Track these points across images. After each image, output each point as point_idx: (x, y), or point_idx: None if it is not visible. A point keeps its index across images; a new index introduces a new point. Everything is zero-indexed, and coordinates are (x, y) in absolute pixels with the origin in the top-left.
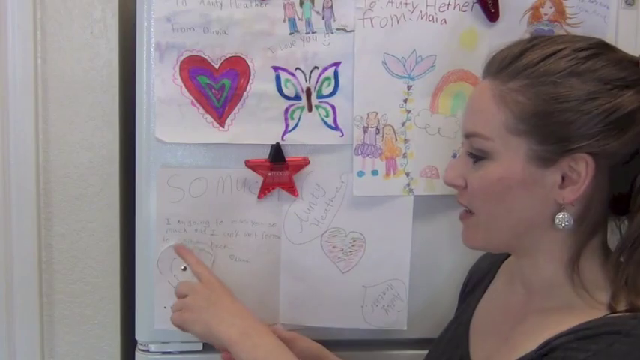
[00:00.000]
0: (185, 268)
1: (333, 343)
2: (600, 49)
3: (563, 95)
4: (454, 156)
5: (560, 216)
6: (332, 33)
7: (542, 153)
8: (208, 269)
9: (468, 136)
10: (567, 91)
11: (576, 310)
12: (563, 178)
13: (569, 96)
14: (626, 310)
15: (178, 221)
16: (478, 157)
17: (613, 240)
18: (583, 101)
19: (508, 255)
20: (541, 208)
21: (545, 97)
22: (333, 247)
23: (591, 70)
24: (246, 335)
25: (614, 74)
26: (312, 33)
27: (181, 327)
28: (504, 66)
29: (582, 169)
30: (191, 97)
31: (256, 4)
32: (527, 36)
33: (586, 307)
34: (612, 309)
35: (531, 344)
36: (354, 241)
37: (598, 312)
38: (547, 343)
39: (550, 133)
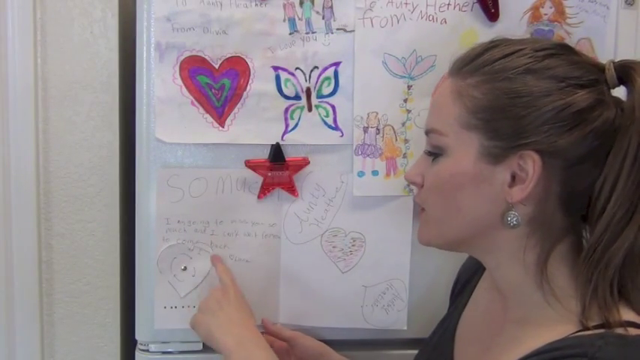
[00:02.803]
0: (185, 268)
1: (332, 343)
2: (561, 50)
3: (516, 91)
4: None
5: (509, 215)
6: (332, 33)
7: (492, 149)
8: (231, 275)
9: (427, 132)
10: (521, 87)
11: (551, 322)
12: (514, 177)
13: (522, 92)
14: (596, 326)
15: (178, 221)
16: (435, 153)
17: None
18: (535, 98)
19: None
20: (491, 207)
21: (499, 92)
22: (333, 247)
23: (547, 68)
24: (241, 346)
25: (570, 73)
26: (312, 33)
27: (191, 327)
28: (466, 64)
29: (530, 167)
30: (191, 97)
31: (256, 4)
32: (527, 36)
33: (560, 318)
34: (584, 323)
35: (509, 357)
36: (354, 241)
37: (572, 325)
38: None
39: (500, 128)
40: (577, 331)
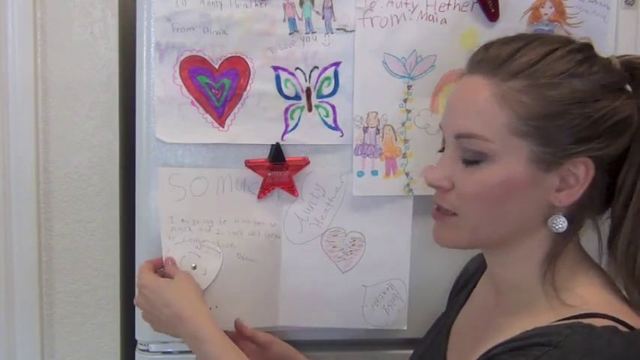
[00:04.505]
0: (195, 267)
1: (333, 343)
2: (590, 51)
3: (566, 97)
4: None
5: (556, 219)
6: (332, 33)
7: (544, 155)
8: (143, 274)
9: (461, 136)
10: (570, 92)
11: (535, 313)
12: (559, 181)
13: (573, 98)
14: (586, 315)
15: (182, 219)
16: (471, 160)
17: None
18: (586, 103)
19: None
20: (535, 211)
21: (550, 99)
22: (334, 246)
23: (590, 72)
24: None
25: (609, 78)
26: (312, 33)
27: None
28: (499, 64)
29: (581, 172)
30: (191, 97)
31: (256, 4)
32: None
33: (548, 308)
34: (589, 309)
35: (488, 347)
36: (353, 240)
37: (554, 314)
38: (487, 352)
39: (553, 135)
40: (551, 323)
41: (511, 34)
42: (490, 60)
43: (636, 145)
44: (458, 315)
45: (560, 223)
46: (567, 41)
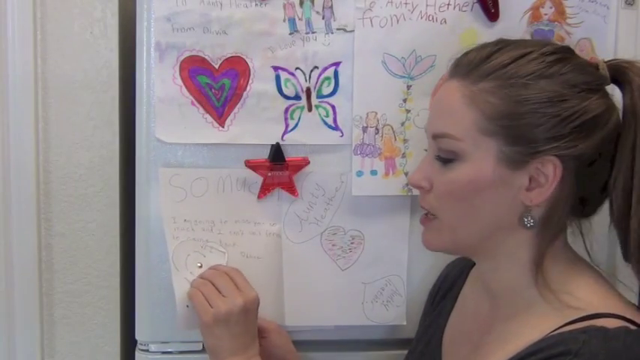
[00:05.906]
0: (201, 266)
1: (334, 343)
2: (566, 53)
3: (533, 97)
4: None
5: (526, 217)
6: (332, 33)
7: (512, 154)
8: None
9: (436, 136)
10: (538, 93)
11: (536, 318)
12: (530, 180)
13: (540, 98)
14: (583, 318)
15: (185, 220)
16: (446, 159)
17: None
18: (553, 103)
19: None
20: (508, 210)
21: (517, 99)
22: (333, 245)
23: (560, 73)
24: None
25: (581, 78)
26: (312, 33)
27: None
28: (473, 67)
29: (550, 171)
30: (191, 97)
31: (256, 4)
32: (527, 36)
33: (549, 312)
34: (589, 311)
35: (495, 357)
36: (352, 238)
37: (557, 319)
38: None
39: (520, 135)
40: (559, 327)
41: (511, 34)
42: (465, 64)
43: (622, 149)
44: (448, 323)
45: (529, 222)
46: (543, 44)
